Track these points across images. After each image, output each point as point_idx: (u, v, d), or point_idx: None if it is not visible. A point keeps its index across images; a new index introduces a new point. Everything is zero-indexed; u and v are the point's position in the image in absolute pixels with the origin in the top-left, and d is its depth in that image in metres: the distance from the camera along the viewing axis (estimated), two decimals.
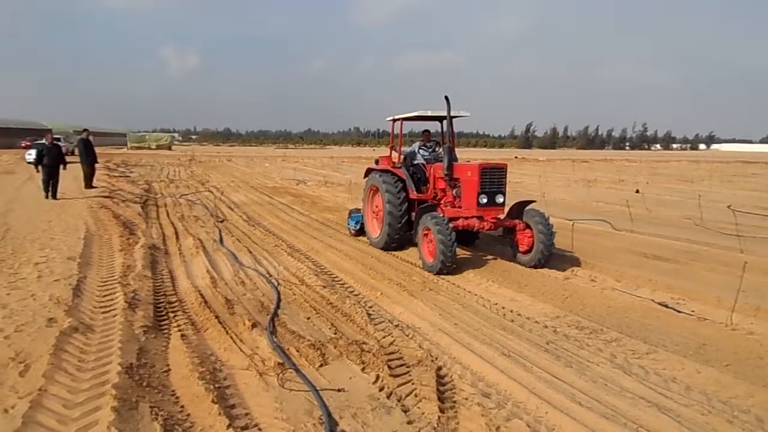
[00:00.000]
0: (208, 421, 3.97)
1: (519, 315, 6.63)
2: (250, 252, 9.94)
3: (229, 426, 3.85)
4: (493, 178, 8.91)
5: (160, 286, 7.62)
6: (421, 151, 10.93)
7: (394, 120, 11.01)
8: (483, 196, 8.84)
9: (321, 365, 5.07)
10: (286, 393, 4.48)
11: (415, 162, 10.77)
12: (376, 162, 11.42)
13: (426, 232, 8.80)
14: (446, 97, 9.27)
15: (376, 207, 10.90)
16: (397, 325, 6.25)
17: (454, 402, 4.44)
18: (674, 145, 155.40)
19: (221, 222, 13.33)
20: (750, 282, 7.55)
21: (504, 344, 5.66)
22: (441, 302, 7.15)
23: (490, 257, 9.84)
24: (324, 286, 7.73)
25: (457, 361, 5.25)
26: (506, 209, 9.30)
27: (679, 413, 4.25)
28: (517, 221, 9.17)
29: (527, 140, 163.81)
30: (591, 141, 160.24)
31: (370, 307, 6.96)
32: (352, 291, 7.67)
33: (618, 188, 24.60)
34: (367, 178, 11.35)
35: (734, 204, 15.17)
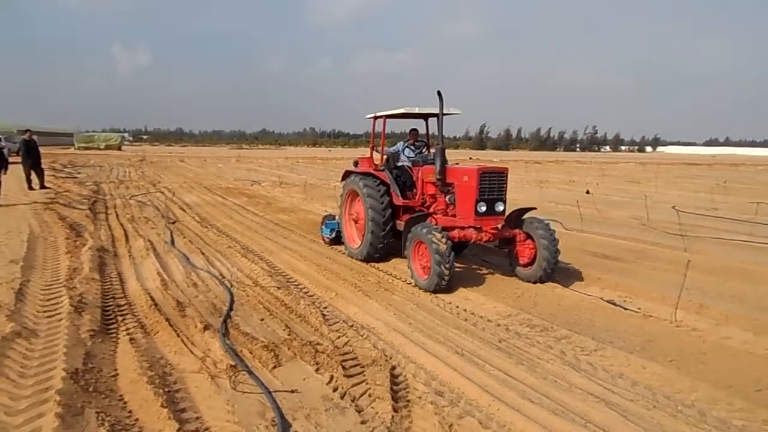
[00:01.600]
0: (157, 426, 3.88)
1: (472, 314, 6.71)
2: (203, 253, 9.77)
3: (178, 430, 3.78)
4: (492, 184, 8.01)
5: (108, 289, 7.42)
6: (406, 151, 10.11)
7: (376, 117, 10.00)
8: (482, 203, 7.91)
9: (274, 367, 5.03)
10: (238, 395, 4.42)
11: (399, 164, 9.90)
12: (355, 164, 10.43)
13: (418, 244, 7.90)
14: (439, 93, 8.36)
15: (356, 214, 9.98)
16: (351, 326, 6.24)
17: (408, 401, 4.46)
18: (623, 147, 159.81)
19: (173, 223, 13.06)
20: (693, 280, 7.82)
21: (457, 343, 5.72)
22: (396, 302, 7.18)
23: None
24: (278, 287, 7.66)
25: (411, 361, 5.27)
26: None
27: (625, 408, 4.37)
28: (516, 231, 8.27)
29: (481, 141, 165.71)
30: (543, 143, 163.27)
31: (325, 307, 6.93)
32: (307, 292, 7.63)
33: (569, 189, 25.15)
34: (344, 182, 10.32)
35: (678, 204, 15.69)
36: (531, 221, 8.28)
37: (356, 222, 9.97)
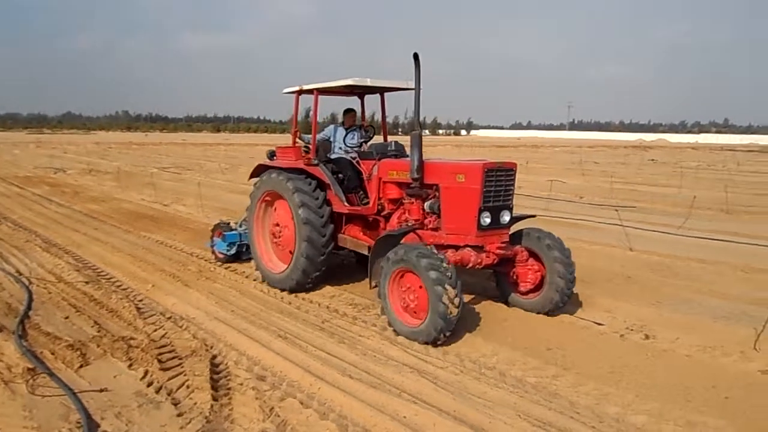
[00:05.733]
0: None
1: (296, 297, 6.78)
2: None
3: None
4: (499, 186, 5.91)
5: None
6: (348, 138, 7.55)
7: (301, 92, 7.54)
8: (486, 214, 5.79)
9: (81, 366, 4.68)
10: (37, 399, 4.06)
11: (334, 156, 7.49)
12: (271, 155, 7.78)
13: (401, 275, 5.57)
14: (415, 55, 5.97)
15: (277, 226, 7.30)
16: (169, 317, 5.99)
17: (229, 389, 4.40)
18: (440, 131, 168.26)
19: None
20: None
21: (281, 327, 5.74)
22: (217, 290, 7.01)
23: None
24: (86, 282, 7.12)
25: (233, 348, 5.20)
26: None
27: (436, 375, 4.69)
28: (518, 248, 6.21)
29: (309, 126, 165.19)
30: None
31: (140, 300, 6.57)
32: (120, 285, 7.16)
33: None
34: (257, 181, 7.56)
35: None
36: (537, 235, 6.27)
37: (278, 237, 7.32)
